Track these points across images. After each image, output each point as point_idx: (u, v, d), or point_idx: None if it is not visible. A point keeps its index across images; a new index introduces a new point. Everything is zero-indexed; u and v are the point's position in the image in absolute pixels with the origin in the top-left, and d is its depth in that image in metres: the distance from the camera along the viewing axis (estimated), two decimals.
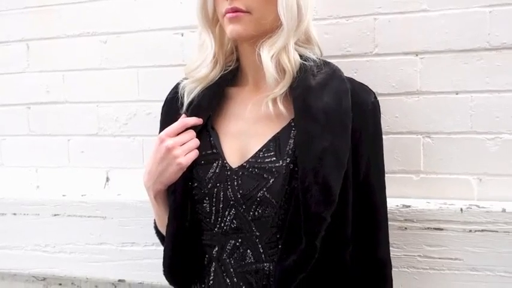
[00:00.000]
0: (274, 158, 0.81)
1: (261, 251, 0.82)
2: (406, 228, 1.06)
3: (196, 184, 0.85)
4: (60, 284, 1.44)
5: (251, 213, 0.81)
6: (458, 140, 1.06)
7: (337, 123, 0.79)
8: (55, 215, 1.33)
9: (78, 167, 1.38)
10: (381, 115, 0.89)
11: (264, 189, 0.80)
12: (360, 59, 1.10)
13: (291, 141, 0.81)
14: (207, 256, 0.87)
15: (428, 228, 1.04)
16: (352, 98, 0.82)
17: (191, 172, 0.85)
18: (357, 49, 1.10)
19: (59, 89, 1.38)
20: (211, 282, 0.86)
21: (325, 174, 0.76)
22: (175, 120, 0.88)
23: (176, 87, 0.94)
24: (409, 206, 1.05)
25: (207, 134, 0.88)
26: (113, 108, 1.33)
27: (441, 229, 1.03)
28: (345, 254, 0.83)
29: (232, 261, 0.83)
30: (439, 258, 1.04)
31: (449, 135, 1.07)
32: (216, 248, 0.85)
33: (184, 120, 0.85)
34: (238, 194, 0.82)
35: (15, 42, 1.41)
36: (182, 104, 0.90)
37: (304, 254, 0.76)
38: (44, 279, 1.45)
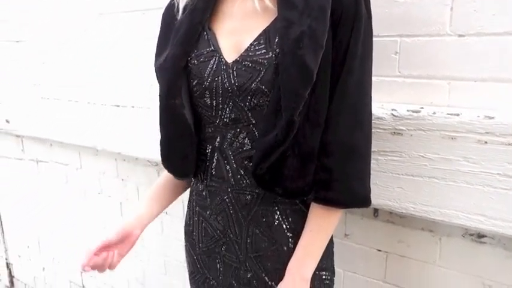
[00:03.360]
0: (265, 51, 0.84)
1: (258, 138, 0.88)
2: (486, 142, 0.94)
3: (196, 81, 0.91)
4: None
5: (247, 103, 0.87)
6: None
7: (315, 6, 0.81)
8: None
9: None
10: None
11: (257, 80, 0.84)
12: None
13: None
14: (209, 147, 0.94)
15: None
16: None
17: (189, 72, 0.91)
18: None
19: None
20: (213, 170, 0.95)
21: (303, 54, 0.79)
22: (172, 26, 0.94)
23: None
24: (493, 118, 0.93)
25: (204, 34, 0.92)
26: None
27: None
28: (317, 137, 0.85)
29: (232, 150, 0.91)
30: None
31: None
32: (218, 139, 0.93)
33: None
34: (234, 86, 0.87)
35: None
36: (178, 10, 0.94)
37: (284, 128, 0.81)
38: (157, 164, 1.71)
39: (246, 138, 0.90)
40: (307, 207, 0.93)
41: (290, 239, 0.93)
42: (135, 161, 1.79)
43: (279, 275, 0.93)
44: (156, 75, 0.97)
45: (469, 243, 1.08)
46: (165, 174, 1.09)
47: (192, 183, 1.06)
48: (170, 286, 1.83)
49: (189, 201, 1.06)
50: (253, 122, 0.89)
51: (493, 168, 0.95)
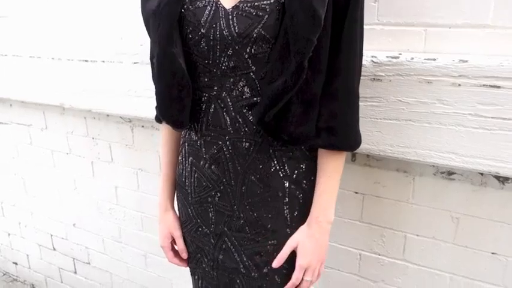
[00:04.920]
0: None
1: (257, 85, 0.89)
2: (459, 84, 1.01)
3: (191, 28, 0.88)
4: (142, 126, 1.67)
5: (248, 50, 0.86)
6: None
7: None
8: (135, 63, 1.48)
9: None
10: None
11: (259, 26, 0.83)
12: None
13: None
14: (206, 96, 0.94)
15: (484, 85, 0.99)
16: None
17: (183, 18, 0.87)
18: None
19: None
20: (210, 119, 0.95)
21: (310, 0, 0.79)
22: None
23: None
24: (467, 61, 1.00)
25: None
26: None
27: (498, 87, 0.98)
28: (319, 83, 0.87)
29: (231, 98, 0.91)
30: (492, 117, 1.00)
31: None
32: (216, 87, 0.92)
33: None
34: (234, 33, 0.85)
35: None
36: None
37: (294, 74, 0.82)
38: (130, 120, 1.69)
39: (246, 86, 0.90)
40: (302, 155, 0.97)
41: (285, 185, 0.96)
42: (106, 118, 1.75)
43: (272, 220, 0.97)
44: (146, 22, 0.94)
45: (440, 180, 1.17)
46: (165, 138, 1.11)
47: (183, 134, 1.06)
48: (148, 241, 1.85)
49: (181, 152, 1.06)
50: (253, 69, 0.88)
51: (465, 109, 1.02)
